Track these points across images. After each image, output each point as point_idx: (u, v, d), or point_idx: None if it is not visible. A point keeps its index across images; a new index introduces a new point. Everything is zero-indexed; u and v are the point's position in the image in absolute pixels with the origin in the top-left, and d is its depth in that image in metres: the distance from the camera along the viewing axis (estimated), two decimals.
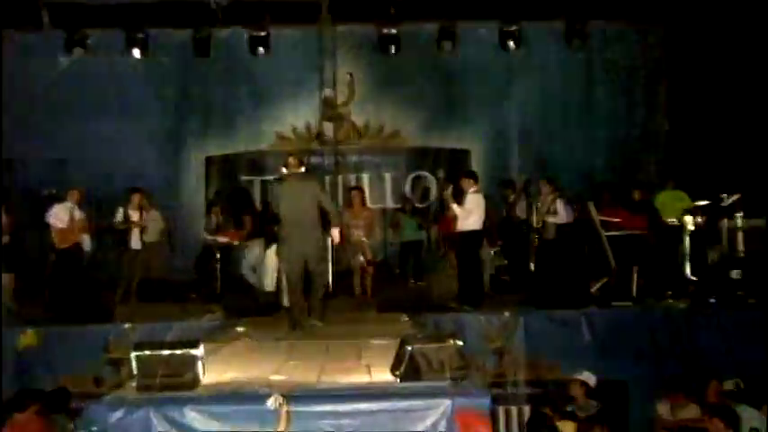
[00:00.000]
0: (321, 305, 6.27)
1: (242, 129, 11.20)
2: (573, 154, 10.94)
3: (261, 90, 11.11)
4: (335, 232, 6.28)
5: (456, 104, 11.27)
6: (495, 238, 9.58)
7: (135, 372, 3.83)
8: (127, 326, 6.53)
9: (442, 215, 9.66)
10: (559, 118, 11.18)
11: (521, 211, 9.00)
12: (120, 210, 8.30)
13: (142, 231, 8.36)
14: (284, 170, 6.39)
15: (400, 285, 9.12)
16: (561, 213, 8.19)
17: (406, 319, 6.44)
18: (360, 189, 9.21)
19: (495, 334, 6.63)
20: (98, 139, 10.22)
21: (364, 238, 8.38)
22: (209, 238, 9.17)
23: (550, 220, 8.15)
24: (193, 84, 11.08)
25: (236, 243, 8.96)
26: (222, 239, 8.96)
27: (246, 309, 7.08)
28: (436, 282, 8.26)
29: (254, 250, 8.72)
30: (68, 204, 7.95)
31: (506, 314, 6.77)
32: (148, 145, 10.64)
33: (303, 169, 6.45)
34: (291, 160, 6.35)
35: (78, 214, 7.95)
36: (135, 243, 8.35)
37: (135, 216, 8.37)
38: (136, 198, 8.46)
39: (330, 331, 6.00)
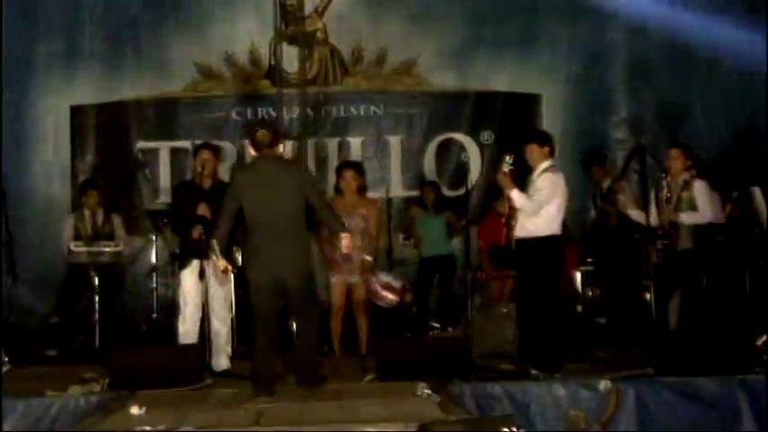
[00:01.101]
0: (314, 361, 6.80)
1: (136, 57, 11.27)
2: (726, 98, 10.99)
3: None
4: (344, 240, 6.87)
5: (513, 13, 11.38)
6: (583, 253, 9.67)
7: None
8: None
9: (490, 211, 9.72)
10: (700, 37, 11.13)
11: (630, 203, 9.01)
12: None
13: None
14: (251, 150, 6.79)
15: (417, 334, 9.22)
16: (703, 207, 8.17)
17: (428, 391, 6.46)
18: (356, 166, 9.18)
19: (584, 418, 6.62)
20: None
21: (367, 256, 8.39)
22: (80, 249, 9.21)
23: (684, 219, 8.13)
24: None
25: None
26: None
27: (147, 374, 7.05)
28: (480, 327, 8.31)
29: None
30: None
31: (604, 383, 6.77)
32: None
33: (282, 149, 6.84)
34: (262, 135, 6.74)
35: None
36: None
37: None
38: None
39: (295, 413, 6.04)
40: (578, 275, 9.70)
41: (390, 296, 8.36)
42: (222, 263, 6.77)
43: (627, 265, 9.20)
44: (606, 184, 9.54)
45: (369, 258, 8.30)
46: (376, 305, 8.48)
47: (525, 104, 11.36)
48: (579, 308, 9.60)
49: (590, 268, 9.70)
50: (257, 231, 6.65)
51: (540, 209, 7.48)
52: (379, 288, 8.34)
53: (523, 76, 11.40)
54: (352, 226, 8.22)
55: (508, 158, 7.65)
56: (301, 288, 6.69)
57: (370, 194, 9.55)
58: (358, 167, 8.84)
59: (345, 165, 9.00)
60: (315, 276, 7.18)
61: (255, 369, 6.72)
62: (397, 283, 8.45)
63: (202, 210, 7.57)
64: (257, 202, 6.64)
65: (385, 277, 8.46)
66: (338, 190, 8.63)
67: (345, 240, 6.86)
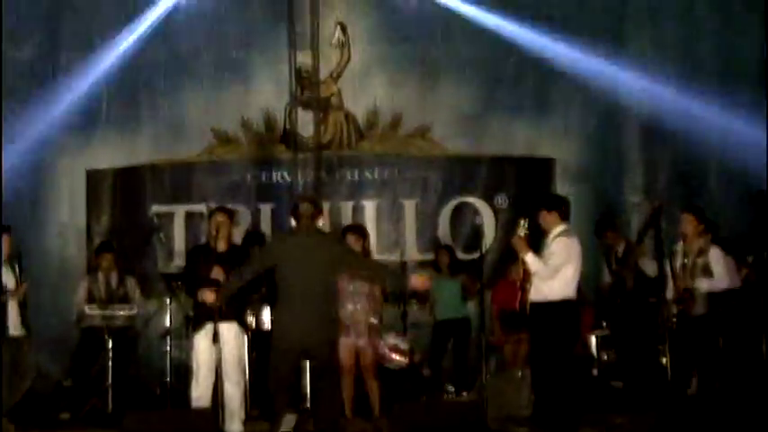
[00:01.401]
0: (335, 424, 6.87)
1: (153, 122, 11.44)
2: (740, 162, 10.82)
3: (186, 54, 11.43)
4: (419, 279, 7.43)
5: (526, 76, 11.49)
6: (598, 316, 9.67)
7: None
8: None
9: (504, 275, 9.77)
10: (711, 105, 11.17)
11: (649, 267, 9.13)
12: None
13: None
14: (292, 221, 7.02)
15: (432, 398, 9.22)
16: (719, 274, 8.15)
17: None
18: (360, 229, 9.23)
19: None
20: None
21: (373, 319, 8.41)
22: (94, 313, 9.29)
23: (701, 286, 8.13)
24: (67, 41, 11.36)
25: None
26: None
27: None
28: (495, 392, 8.31)
29: None
30: None
31: None
32: None
33: (321, 223, 7.12)
34: (305, 208, 6.98)
35: None
36: (14, 326, 8.26)
37: (10, 280, 8.25)
38: (5, 243, 8.30)
39: None
40: (593, 339, 9.66)
41: (399, 358, 8.35)
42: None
43: (643, 329, 9.15)
44: (621, 248, 9.55)
45: (374, 321, 8.32)
46: (386, 368, 8.49)
47: (539, 168, 11.42)
48: (594, 372, 9.56)
49: (605, 332, 9.68)
50: (287, 300, 6.78)
51: (555, 273, 7.49)
52: (387, 350, 8.35)
53: (538, 139, 11.46)
54: (356, 289, 8.29)
55: (523, 222, 7.65)
56: (325, 356, 6.77)
57: (385, 258, 9.59)
58: (360, 231, 8.89)
59: (347, 229, 9.07)
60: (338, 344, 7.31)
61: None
62: (404, 345, 8.45)
63: (216, 273, 7.57)
64: (291, 274, 6.78)
65: (392, 339, 8.46)
66: None
67: (416, 280, 7.21)
